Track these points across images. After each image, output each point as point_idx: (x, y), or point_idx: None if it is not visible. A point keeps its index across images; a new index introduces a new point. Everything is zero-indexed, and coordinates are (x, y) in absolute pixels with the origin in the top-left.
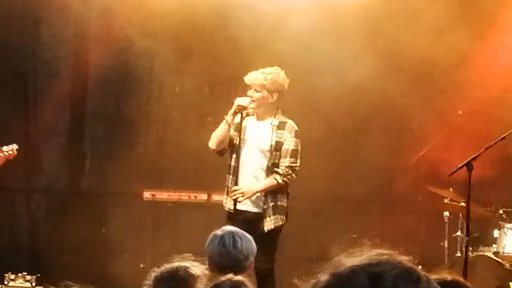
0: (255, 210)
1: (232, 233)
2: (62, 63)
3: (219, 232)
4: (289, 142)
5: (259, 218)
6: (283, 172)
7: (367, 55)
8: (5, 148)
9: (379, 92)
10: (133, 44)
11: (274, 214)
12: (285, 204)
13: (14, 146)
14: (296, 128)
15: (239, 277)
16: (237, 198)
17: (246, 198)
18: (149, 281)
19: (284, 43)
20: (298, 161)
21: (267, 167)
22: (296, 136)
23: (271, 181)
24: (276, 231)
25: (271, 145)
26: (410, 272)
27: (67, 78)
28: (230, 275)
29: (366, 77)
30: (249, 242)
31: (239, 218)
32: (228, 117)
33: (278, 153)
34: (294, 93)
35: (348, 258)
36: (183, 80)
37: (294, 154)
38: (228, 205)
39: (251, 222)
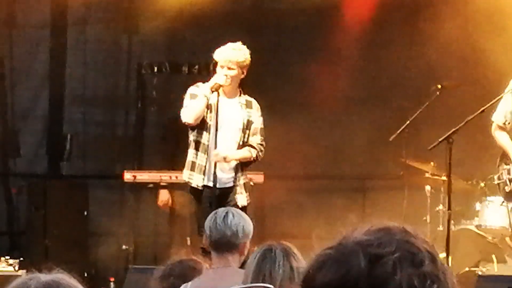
0: (225, 186)
1: (226, 210)
2: (39, 45)
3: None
4: (258, 121)
5: (228, 193)
6: (257, 148)
7: None
8: None
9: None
10: (112, 25)
11: (246, 191)
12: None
13: None
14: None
15: (289, 243)
16: (218, 160)
17: (226, 161)
18: (155, 279)
19: None
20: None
21: (239, 145)
22: (261, 115)
23: (246, 152)
24: (246, 208)
25: (243, 124)
26: (414, 254)
27: (45, 59)
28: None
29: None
30: (241, 219)
31: (206, 194)
32: (208, 93)
33: (248, 131)
34: None
35: (353, 233)
36: (162, 60)
37: (262, 132)
38: (196, 181)
39: (220, 197)
